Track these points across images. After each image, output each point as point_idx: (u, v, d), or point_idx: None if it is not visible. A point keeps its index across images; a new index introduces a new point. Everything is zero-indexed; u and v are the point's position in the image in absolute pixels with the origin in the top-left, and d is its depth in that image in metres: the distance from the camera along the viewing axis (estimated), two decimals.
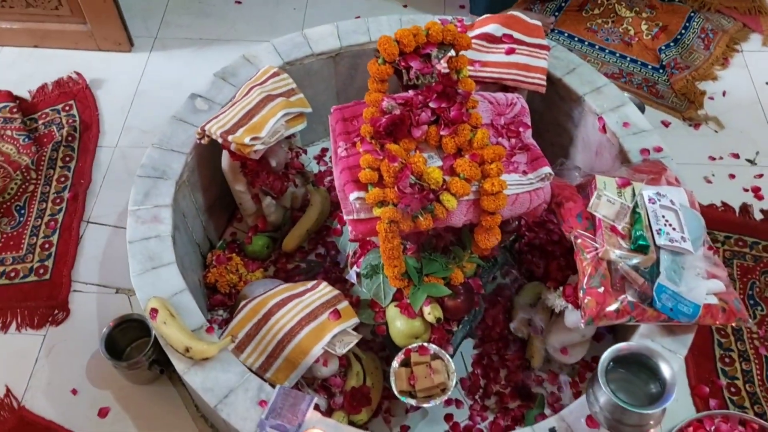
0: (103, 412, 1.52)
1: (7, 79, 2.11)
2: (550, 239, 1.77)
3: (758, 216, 1.82)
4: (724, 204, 1.85)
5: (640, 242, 1.26)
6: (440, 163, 1.36)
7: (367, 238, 1.54)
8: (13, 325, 1.63)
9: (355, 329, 1.46)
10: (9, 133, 1.92)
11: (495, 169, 1.32)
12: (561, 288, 1.46)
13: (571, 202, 1.38)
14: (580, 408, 1.24)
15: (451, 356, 1.45)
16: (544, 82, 1.63)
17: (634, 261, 1.27)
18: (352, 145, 1.39)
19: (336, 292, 1.50)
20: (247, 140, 1.49)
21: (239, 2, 2.39)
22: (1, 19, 2.13)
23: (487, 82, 1.64)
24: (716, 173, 1.91)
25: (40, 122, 1.99)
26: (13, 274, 1.70)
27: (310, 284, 1.52)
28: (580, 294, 1.27)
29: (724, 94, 2.09)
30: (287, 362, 1.39)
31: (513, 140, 1.43)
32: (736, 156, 1.94)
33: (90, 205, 1.84)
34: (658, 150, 1.56)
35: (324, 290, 1.50)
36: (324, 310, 1.44)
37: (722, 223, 1.81)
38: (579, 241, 1.31)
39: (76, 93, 2.06)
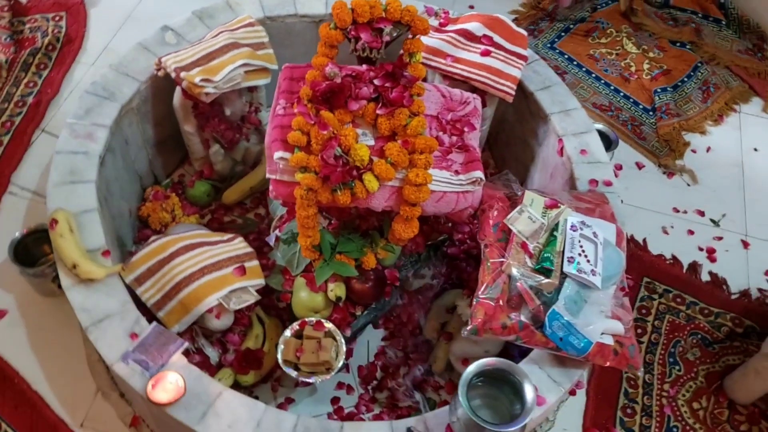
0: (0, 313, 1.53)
1: None
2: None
3: (705, 277, 1.77)
4: (674, 257, 1.80)
5: (544, 264, 1.23)
6: (372, 142, 1.34)
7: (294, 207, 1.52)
8: None
9: (261, 292, 1.45)
10: None
11: (423, 160, 1.29)
12: (471, 297, 1.43)
13: (494, 211, 1.34)
14: (443, 415, 1.21)
15: (347, 339, 1.43)
16: (513, 92, 1.60)
17: (535, 282, 1.23)
18: (290, 105, 1.37)
19: (249, 249, 1.48)
20: (197, 80, 1.48)
21: None
22: None
23: (456, 78, 1.61)
24: (675, 225, 1.85)
25: (27, 26, 2.00)
26: None
27: (226, 236, 1.51)
28: (474, 302, 1.24)
29: (708, 149, 2.04)
30: (181, 306, 1.38)
31: (454, 138, 1.40)
32: (701, 213, 1.89)
33: (49, 115, 1.85)
34: (608, 184, 1.52)
35: (237, 245, 1.48)
36: (230, 264, 1.43)
37: (666, 276, 1.76)
38: (487, 249, 1.28)
39: (69, 5, 2.07)
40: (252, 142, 1.78)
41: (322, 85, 1.30)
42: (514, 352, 1.56)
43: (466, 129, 1.41)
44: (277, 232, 1.53)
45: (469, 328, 1.23)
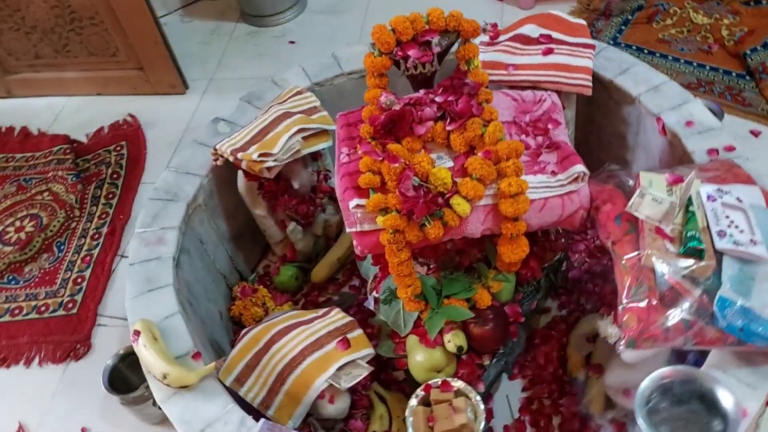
0: None
1: (69, 125, 2.19)
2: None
3: None
4: None
5: (691, 244, 1.01)
6: (451, 164, 1.19)
7: (386, 263, 1.37)
8: (36, 359, 1.59)
9: (374, 364, 1.29)
10: (60, 173, 1.96)
11: (512, 167, 1.13)
12: (612, 314, 1.21)
13: (609, 204, 1.15)
14: None
15: (482, 396, 1.22)
16: (590, 83, 1.43)
17: (687, 269, 1.01)
18: (353, 151, 1.25)
19: (349, 319, 1.33)
20: (255, 156, 1.39)
21: (293, 42, 2.37)
22: (66, 69, 2.23)
23: (523, 86, 1.45)
24: None
25: (92, 162, 2.02)
26: (43, 309, 1.68)
27: (321, 311, 1.37)
28: (619, 310, 1.03)
29: None
30: (289, 397, 1.23)
31: (540, 138, 1.23)
32: None
33: (126, 240, 1.81)
34: (730, 149, 1.30)
35: (335, 317, 1.34)
36: (331, 339, 1.28)
37: None
38: (616, 246, 1.08)
39: (128, 134, 2.09)
40: (329, 213, 1.67)
41: (380, 117, 1.18)
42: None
43: (550, 126, 1.25)
44: (374, 294, 1.37)
45: (623, 342, 1.01)
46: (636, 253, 1.05)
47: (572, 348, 1.40)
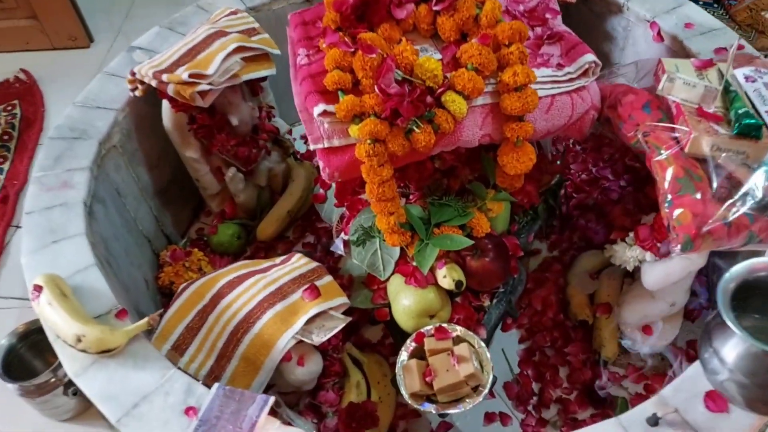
0: None
1: None
2: (608, 198, 1.33)
3: None
4: None
5: (746, 121, 0.83)
6: (438, 56, 0.96)
7: (354, 199, 1.13)
8: None
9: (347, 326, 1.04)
10: None
11: (516, 53, 0.92)
12: (631, 234, 1.02)
13: (630, 95, 0.95)
14: (693, 383, 0.77)
15: (485, 343, 1.00)
16: None
17: (742, 153, 0.83)
18: (316, 51, 1.01)
19: (315, 264, 1.08)
20: (185, 76, 1.12)
21: None
22: None
23: None
24: None
25: None
26: None
27: (278, 259, 1.11)
28: (665, 209, 0.83)
29: None
30: (245, 363, 0.97)
31: (539, 29, 1.03)
32: None
33: (21, 209, 1.48)
34: (740, 48, 1.14)
35: (297, 263, 1.08)
36: (296, 287, 1.02)
37: None
38: (650, 137, 0.88)
39: (21, 92, 1.75)
40: (274, 160, 1.41)
41: (349, 0, 0.94)
42: (701, 298, 1.13)
43: (548, 15, 1.05)
44: (343, 236, 1.13)
45: (678, 244, 0.81)
46: (676, 138, 0.86)
47: (573, 288, 1.21)
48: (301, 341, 0.98)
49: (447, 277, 0.98)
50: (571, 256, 1.28)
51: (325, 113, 0.92)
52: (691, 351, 1.13)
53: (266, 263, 1.09)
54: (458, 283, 0.98)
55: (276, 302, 0.99)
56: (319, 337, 0.96)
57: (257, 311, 0.98)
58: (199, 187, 1.35)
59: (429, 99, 0.91)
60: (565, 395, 1.12)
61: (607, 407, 1.09)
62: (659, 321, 1.08)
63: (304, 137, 1.61)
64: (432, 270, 1.01)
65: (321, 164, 0.98)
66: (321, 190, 1.24)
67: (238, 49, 1.20)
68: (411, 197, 1.07)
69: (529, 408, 1.11)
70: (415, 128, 0.90)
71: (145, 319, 0.87)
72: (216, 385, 0.83)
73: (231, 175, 1.31)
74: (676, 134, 0.86)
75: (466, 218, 1.01)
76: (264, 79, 1.34)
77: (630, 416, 0.76)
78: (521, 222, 1.13)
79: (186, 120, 1.24)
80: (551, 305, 1.21)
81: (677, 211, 0.81)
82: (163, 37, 1.35)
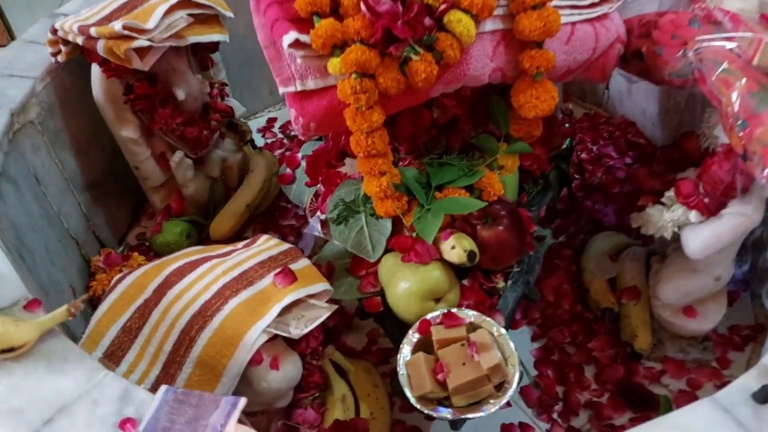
0: None
1: None
2: (614, 177, 1.18)
3: None
4: None
5: None
6: None
7: (330, 173, 0.94)
8: None
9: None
10: None
11: None
12: (668, 194, 0.85)
13: (669, 15, 0.80)
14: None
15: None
16: None
17: None
18: None
19: (288, 246, 0.87)
20: (119, 27, 0.91)
21: None
22: None
23: None
24: None
25: None
26: None
27: (241, 243, 0.89)
28: (737, 134, 0.66)
29: None
30: (203, 369, 0.74)
31: None
32: None
33: None
34: None
35: (266, 244, 0.87)
36: (264, 271, 0.81)
37: None
38: (705, 52, 0.72)
39: None
40: (228, 148, 1.21)
41: None
42: (737, 278, 0.97)
43: None
44: (319, 214, 0.92)
45: (763, 170, 0.64)
46: (736, 54, 0.70)
47: (589, 274, 1.02)
48: (274, 338, 0.76)
49: (456, 247, 0.78)
50: (581, 240, 1.11)
51: (297, 44, 0.73)
52: (735, 338, 0.96)
53: (226, 248, 0.87)
54: (471, 254, 0.78)
55: (240, 290, 0.77)
56: (298, 329, 0.74)
57: (216, 301, 0.76)
58: (139, 178, 1.13)
59: (428, 21, 0.73)
60: (595, 398, 0.92)
61: (649, 408, 0.90)
62: (703, 300, 0.91)
63: (262, 130, 1.41)
64: (435, 242, 0.81)
65: (293, 114, 0.79)
66: (287, 170, 1.04)
67: (184, 3, 1.00)
68: (402, 162, 0.88)
69: (554, 416, 0.91)
70: (412, 56, 0.72)
71: (64, 308, 0.64)
72: (163, 387, 0.60)
73: (177, 160, 1.09)
74: (737, 47, 0.70)
75: (473, 178, 0.82)
76: (215, 49, 1.15)
77: (729, 394, 0.57)
78: (531, 193, 0.95)
79: (121, 90, 1.02)
80: (566, 295, 1.02)
81: (759, 130, 0.64)
82: (89, 1, 1.14)
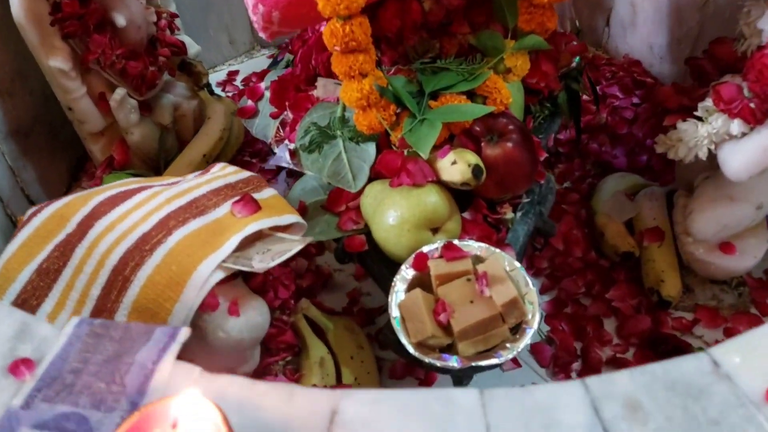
0: None
1: None
2: (621, 117, 1.05)
3: None
4: None
5: None
6: None
7: (299, 96, 0.79)
8: None
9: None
10: None
11: None
12: (707, 102, 0.72)
13: None
14: None
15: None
16: None
17: None
18: None
19: (246, 173, 0.71)
20: None
21: None
22: None
23: None
24: None
25: None
26: None
27: (192, 175, 0.73)
28: None
29: None
30: (141, 315, 0.58)
31: None
32: None
33: None
34: None
35: (222, 172, 0.71)
36: (220, 199, 0.65)
37: None
38: None
39: None
40: (182, 93, 1.05)
41: None
42: None
43: None
44: (286, 144, 0.77)
45: None
46: None
47: (604, 217, 0.89)
48: (233, 279, 0.61)
49: (458, 162, 0.64)
50: (589, 184, 0.97)
51: None
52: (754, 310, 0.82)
53: (172, 178, 0.71)
54: (476, 169, 0.63)
55: (189, 219, 0.61)
56: (263, 263, 0.58)
57: (158, 233, 0.60)
58: (75, 123, 0.96)
59: None
60: (619, 354, 0.78)
61: None
62: (741, 234, 0.77)
63: (222, 84, 1.25)
64: (431, 162, 0.66)
65: (250, 2, 0.63)
66: (249, 102, 0.88)
67: None
68: (387, 73, 0.73)
69: (573, 376, 0.76)
70: None
71: None
72: (75, 319, 0.44)
73: (118, 98, 0.93)
74: None
75: (476, 82, 0.67)
76: None
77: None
78: (539, 117, 0.81)
79: (47, 9, 0.86)
80: (577, 242, 0.88)
81: None
82: None
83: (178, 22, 1.05)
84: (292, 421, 0.39)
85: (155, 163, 1.02)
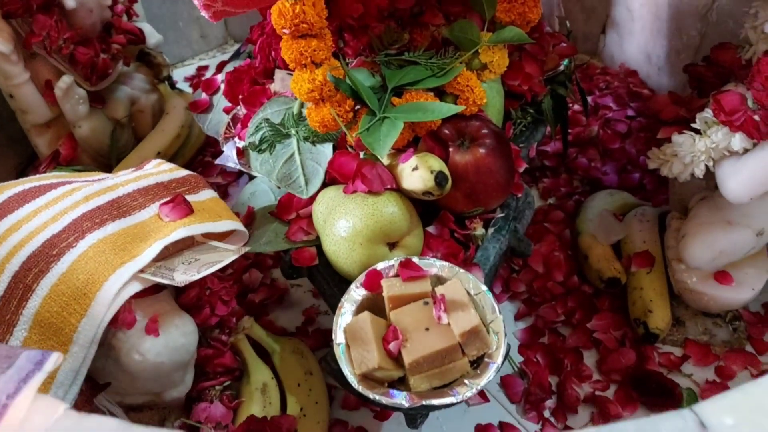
0: None
1: None
2: (614, 131, 0.98)
3: None
4: None
5: None
6: None
7: (254, 90, 0.71)
8: None
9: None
10: None
11: None
12: (705, 113, 0.64)
13: None
14: None
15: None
16: None
17: None
18: None
19: (184, 172, 0.64)
20: None
21: None
22: None
23: None
24: None
25: None
26: None
27: (123, 172, 0.65)
28: None
29: None
30: (42, 331, 0.50)
31: None
32: None
33: None
34: None
35: (158, 168, 0.63)
36: (147, 201, 0.57)
37: None
38: None
39: None
40: (139, 85, 0.97)
41: None
42: None
43: None
44: (235, 141, 0.69)
45: None
46: None
47: (588, 238, 0.81)
48: (156, 292, 0.53)
49: (419, 168, 0.56)
50: (576, 201, 0.90)
51: None
52: (749, 347, 0.74)
53: (99, 174, 0.63)
54: (440, 176, 0.55)
55: (107, 221, 0.53)
56: (185, 275, 0.50)
57: (69, 235, 0.52)
58: (18, 113, 0.88)
59: None
60: (599, 391, 0.70)
61: (668, 403, 0.68)
62: (739, 264, 0.70)
63: (190, 79, 1.18)
64: (391, 169, 0.59)
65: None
66: (203, 95, 0.80)
67: None
68: (348, 57, 0.65)
69: (546, 414, 0.68)
70: None
71: None
72: None
73: (64, 86, 0.85)
74: None
75: (446, 78, 0.59)
76: None
77: None
78: (520, 123, 0.73)
79: None
80: (558, 264, 0.80)
81: None
82: None
83: (137, 8, 0.97)
84: None
85: (106, 160, 0.95)
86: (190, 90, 1.14)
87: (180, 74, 1.17)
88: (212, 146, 1.02)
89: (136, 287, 0.50)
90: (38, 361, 0.35)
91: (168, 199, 0.57)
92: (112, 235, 0.52)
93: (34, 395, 0.33)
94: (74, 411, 0.34)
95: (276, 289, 0.81)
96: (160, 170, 0.61)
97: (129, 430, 0.33)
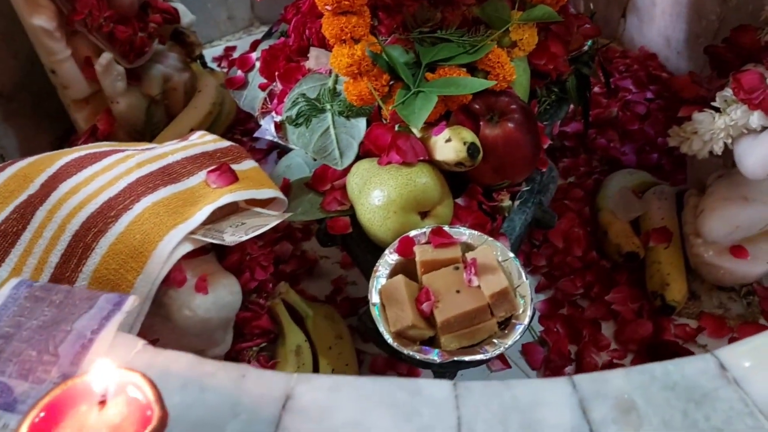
0: None
1: None
2: (633, 113, 1.00)
3: None
4: None
5: None
6: None
7: (290, 67, 0.75)
8: None
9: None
10: None
11: None
12: (725, 92, 0.67)
13: None
14: None
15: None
16: None
17: None
18: None
19: (226, 143, 0.67)
20: None
21: None
22: None
23: None
24: None
25: None
26: None
27: (169, 142, 0.69)
28: None
29: None
30: (100, 287, 0.54)
31: None
32: None
33: None
34: None
35: (201, 139, 0.67)
36: (195, 168, 0.60)
37: None
38: None
39: None
40: (173, 64, 1.00)
41: None
42: None
43: None
44: (272, 116, 0.72)
45: None
46: None
47: (608, 214, 0.84)
48: (203, 253, 0.56)
49: (453, 140, 0.59)
50: (595, 180, 0.92)
51: None
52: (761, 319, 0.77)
53: (147, 144, 0.67)
54: (472, 148, 0.59)
55: (159, 186, 0.57)
56: (234, 236, 0.54)
57: (125, 199, 0.55)
58: (58, 88, 0.92)
59: None
60: (616, 360, 0.73)
61: None
62: (754, 238, 0.73)
63: (218, 59, 1.21)
64: (424, 141, 0.62)
65: None
66: (239, 72, 0.83)
67: None
68: (382, 35, 0.68)
69: None
70: None
71: None
72: (14, 280, 0.40)
73: (104, 62, 0.88)
74: None
75: (477, 54, 0.63)
76: None
77: None
78: (545, 101, 0.76)
79: None
80: (578, 240, 0.83)
81: None
82: None
83: None
84: (240, 404, 0.34)
85: (141, 137, 0.98)
86: (219, 69, 1.18)
87: (208, 55, 1.20)
88: (242, 124, 1.06)
89: (188, 247, 0.54)
90: (116, 303, 0.39)
91: (214, 167, 0.60)
92: (165, 199, 0.56)
93: (115, 331, 0.37)
94: (151, 346, 0.38)
95: (306, 260, 0.84)
96: (204, 140, 0.65)
97: (201, 363, 0.37)
